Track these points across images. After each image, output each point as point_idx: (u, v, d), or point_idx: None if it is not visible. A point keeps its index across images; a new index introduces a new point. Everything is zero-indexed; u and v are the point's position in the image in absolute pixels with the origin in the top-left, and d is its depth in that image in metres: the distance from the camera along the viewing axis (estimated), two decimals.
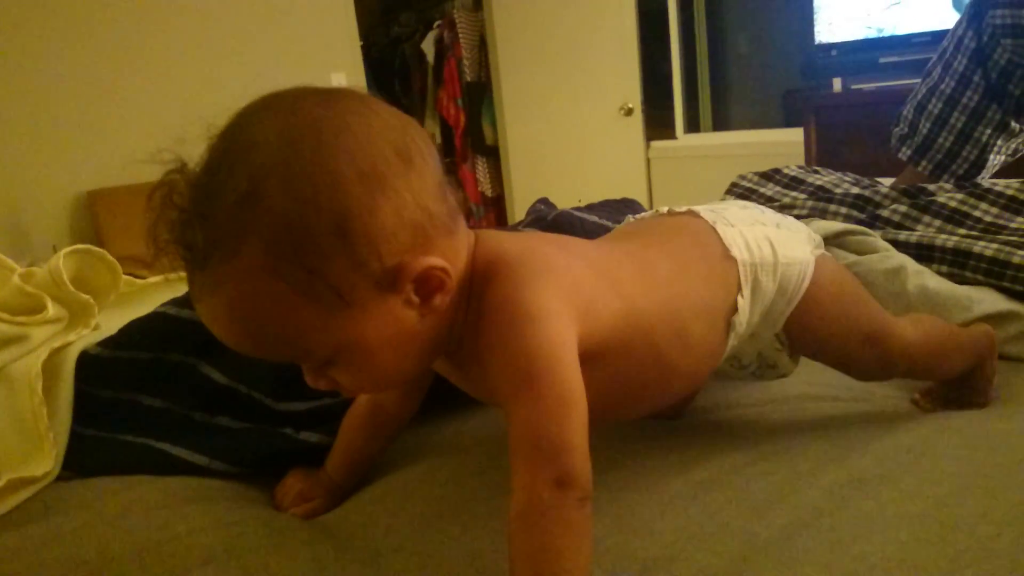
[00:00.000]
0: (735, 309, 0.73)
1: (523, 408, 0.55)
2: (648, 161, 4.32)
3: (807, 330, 0.77)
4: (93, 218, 3.44)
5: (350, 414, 0.81)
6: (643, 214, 0.87)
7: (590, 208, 1.19)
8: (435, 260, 0.56)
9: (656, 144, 4.30)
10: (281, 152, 0.52)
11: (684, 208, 0.80)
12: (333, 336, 0.56)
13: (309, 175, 0.52)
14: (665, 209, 0.82)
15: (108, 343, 0.86)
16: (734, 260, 0.73)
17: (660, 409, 0.76)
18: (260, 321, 0.54)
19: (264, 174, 0.52)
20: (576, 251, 0.69)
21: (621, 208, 1.24)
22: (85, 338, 0.88)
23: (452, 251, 0.59)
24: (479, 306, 0.61)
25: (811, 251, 0.79)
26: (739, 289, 0.73)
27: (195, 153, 0.54)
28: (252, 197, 0.51)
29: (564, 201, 1.18)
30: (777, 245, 0.76)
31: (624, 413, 0.74)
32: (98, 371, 0.85)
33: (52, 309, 0.88)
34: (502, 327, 0.58)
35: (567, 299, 0.60)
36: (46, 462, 0.77)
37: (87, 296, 0.91)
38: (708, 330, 0.72)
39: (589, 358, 0.60)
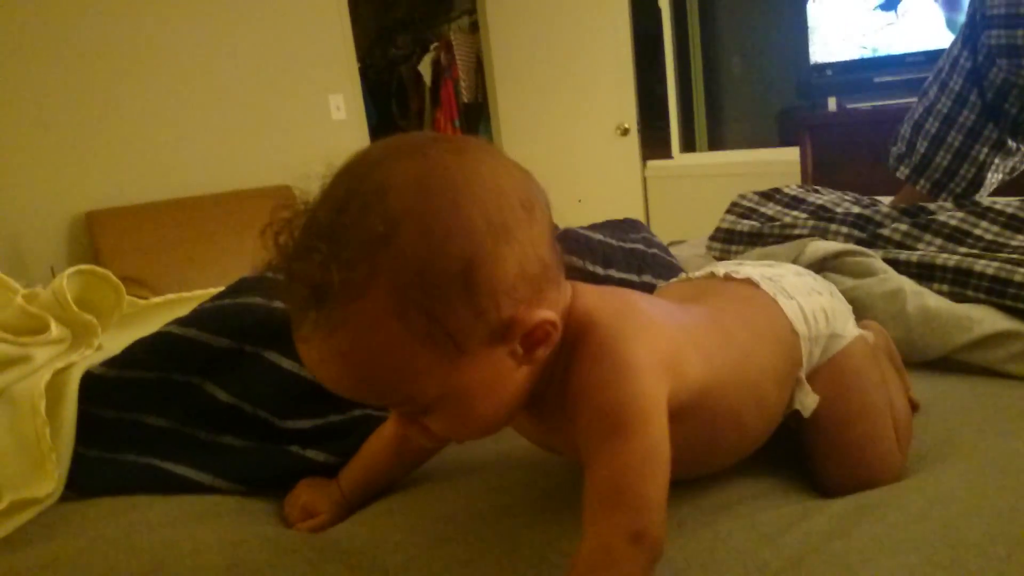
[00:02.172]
0: (799, 381, 0.75)
1: (610, 456, 0.54)
2: (644, 180, 4.34)
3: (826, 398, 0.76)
4: (91, 239, 3.42)
5: (379, 433, 0.80)
6: (696, 273, 0.87)
7: (593, 228, 1.20)
8: (548, 314, 0.56)
9: (652, 164, 4.33)
10: (417, 197, 0.52)
11: (743, 276, 0.80)
12: (439, 383, 0.55)
13: (443, 222, 0.52)
14: (722, 272, 0.83)
15: (112, 363, 0.86)
16: (797, 334, 0.75)
17: (725, 469, 0.76)
18: (373, 363, 0.53)
19: (400, 218, 0.51)
20: (664, 310, 0.69)
21: (625, 228, 1.24)
22: (88, 358, 0.88)
23: (558, 303, 0.60)
24: (572, 354, 0.60)
25: (853, 328, 0.82)
26: (801, 363, 0.75)
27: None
28: (386, 239, 0.51)
29: (562, 221, 1.18)
30: (831, 317, 0.79)
31: (696, 471, 0.73)
32: (102, 391, 0.84)
33: (55, 330, 0.88)
34: (599, 376, 0.58)
35: (660, 357, 0.60)
36: (49, 483, 0.77)
37: (90, 316, 0.91)
38: (779, 397, 0.74)
39: (672, 416, 0.59)
